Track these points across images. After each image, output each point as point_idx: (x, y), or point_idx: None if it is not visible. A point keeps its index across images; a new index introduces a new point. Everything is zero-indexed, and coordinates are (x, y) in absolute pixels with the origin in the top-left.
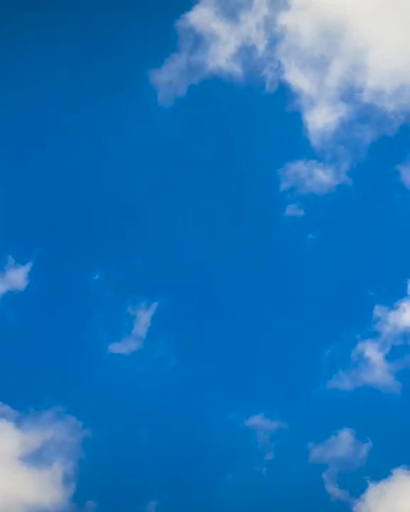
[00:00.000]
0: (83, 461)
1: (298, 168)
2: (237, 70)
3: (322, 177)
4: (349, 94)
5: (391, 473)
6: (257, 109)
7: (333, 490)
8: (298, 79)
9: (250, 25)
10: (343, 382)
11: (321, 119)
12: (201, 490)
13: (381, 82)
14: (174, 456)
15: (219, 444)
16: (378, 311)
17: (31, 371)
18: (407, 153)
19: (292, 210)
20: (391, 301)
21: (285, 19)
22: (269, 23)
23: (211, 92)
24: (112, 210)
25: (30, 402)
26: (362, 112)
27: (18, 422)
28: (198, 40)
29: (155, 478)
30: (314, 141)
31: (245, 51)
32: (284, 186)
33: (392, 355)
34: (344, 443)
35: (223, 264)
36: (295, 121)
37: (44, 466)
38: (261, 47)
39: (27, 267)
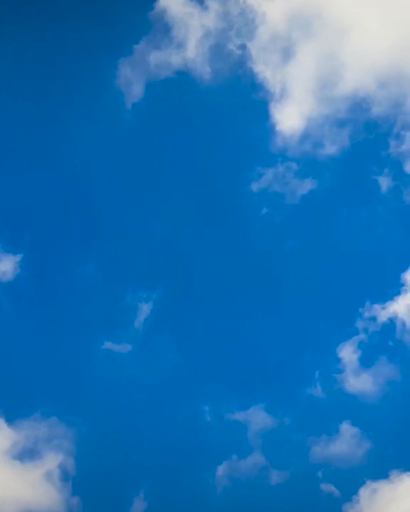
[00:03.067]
0: (75, 457)
1: (273, 170)
2: (208, 64)
3: (299, 179)
4: (327, 89)
5: (388, 475)
6: (229, 107)
7: (328, 488)
8: (271, 73)
9: (221, 13)
10: (342, 380)
11: (297, 119)
12: (191, 484)
13: (363, 75)
14: (166, 450)
15: (212, 439)
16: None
17: (22, 368)
18: (385, 154)
19: (265, 214)
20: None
21: (259, 5)
22: (243, 11)
23: (179, 88)
24: (101, 205)
25: (21, 400)
26: (342, 110)
27: (10, 420)
28: (166, 29)
29: (148, 474)
30: (288, 142)
31: (218, 43)
32: (257, 187)
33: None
34: (342, 441)
35: (212, 261)
36: (269, 119)
37: (36, 463)
38: (234, 38)
39: (17, 257)
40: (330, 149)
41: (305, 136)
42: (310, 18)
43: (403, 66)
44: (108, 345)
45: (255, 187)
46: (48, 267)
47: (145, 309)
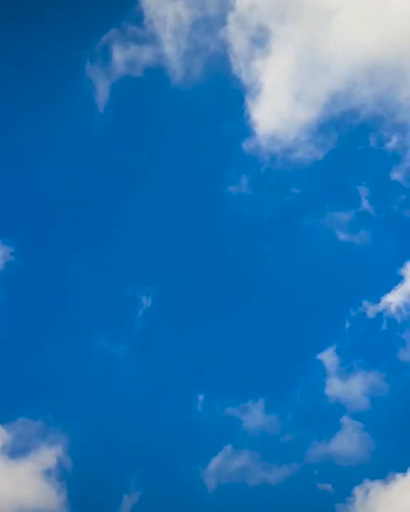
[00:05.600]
0: (68, 454)
1: (254, 174)
2: (182, 58)
3: (281, 183)
4: (309, 87)
5: (384, 475)
6: (207, 106)
7: (325, 488)
8: (250, 69)
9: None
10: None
11: (279, 121)
12: (183, 479)
13: (349, 71)
14: (160, 445)
15: (205, 433)
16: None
17: (15, 367)
18: (370, 157)
19: (248, 217)
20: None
21: None
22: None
23: (153, 85)
24: (91, 203)
25: (14, 398)
26: (326, 110)
27: (2, 419)
28: (139, 19)
29: (141, 469)
30: (269, 145)
31: (192, 33)
32: (237, 190)
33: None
34: (341, 439)
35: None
36: (249, 120)
37: (28, 461)
38: (210, 28)
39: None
40: (312, 153)
41: (287, 139)
42: (291, 5)
43: (393, 59)
44: (104, 341)
45: (234, 190)
46: (39, 261)
47: (139, 306)
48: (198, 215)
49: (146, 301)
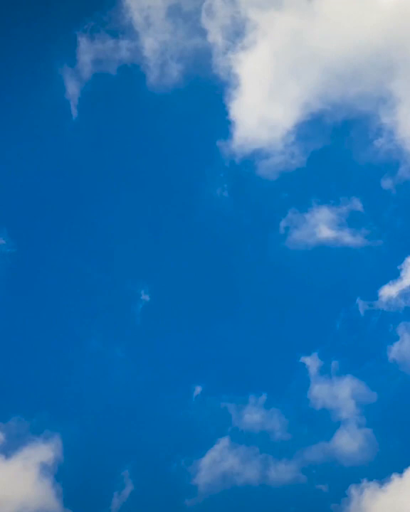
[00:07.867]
0: (63, 452)
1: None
2: (159, 54)
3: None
4: (291, 81)
5: (381, 476)
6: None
7: (320, 487)
8: (232, 67)
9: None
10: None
11: (254, 119)
12: (176, 471)
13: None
14: (155, 443)
15: (200, 430)
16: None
17: (9, 365)
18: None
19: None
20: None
21: None
22: None
23: (127, 82)
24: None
25: (7, 397)
26: (314, 112)
27: None
28: (116, 10)
29: (136, 463)
30: (246, 143)
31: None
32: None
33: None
34: (338, 439)
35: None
36: (230, 121)
37: (22, 458)
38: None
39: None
40: (295, 153)
41: (268, 139)
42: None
43: (382, 51)
44: (101, 336)
45: (219, 192)
46: (34, 255)
47: (139, 300)
48: (185, 216)
49: (144, 296)
